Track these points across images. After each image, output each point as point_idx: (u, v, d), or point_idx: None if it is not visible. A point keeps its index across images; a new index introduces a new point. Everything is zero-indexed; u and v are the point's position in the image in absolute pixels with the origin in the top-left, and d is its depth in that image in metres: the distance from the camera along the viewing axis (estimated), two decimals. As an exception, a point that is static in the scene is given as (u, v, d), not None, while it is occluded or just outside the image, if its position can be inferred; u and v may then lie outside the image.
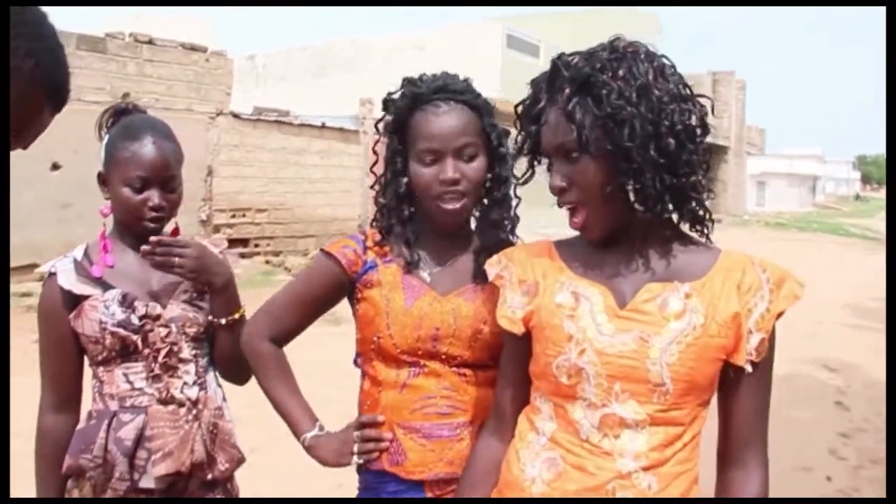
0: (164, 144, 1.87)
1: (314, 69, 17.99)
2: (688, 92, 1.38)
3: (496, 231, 1.78)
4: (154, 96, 11.82)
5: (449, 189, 1.67)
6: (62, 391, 1.89)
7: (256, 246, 13.95)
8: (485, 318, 1.70)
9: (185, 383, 1.87)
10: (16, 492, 1.81)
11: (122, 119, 1.95)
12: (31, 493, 1.91)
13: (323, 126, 15.42)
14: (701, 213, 1.43)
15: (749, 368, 1.36)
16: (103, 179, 1.90)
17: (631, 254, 1.43)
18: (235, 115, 13.53)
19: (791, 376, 6.48)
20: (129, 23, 14.64)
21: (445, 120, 1.69)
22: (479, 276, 1.71)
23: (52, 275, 1.86)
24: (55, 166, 10.53)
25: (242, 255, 13.01)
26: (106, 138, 1.91)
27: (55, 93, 1.12)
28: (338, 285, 1.78)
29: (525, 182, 1.59)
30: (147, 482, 1.80)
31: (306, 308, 1.82)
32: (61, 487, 1.87)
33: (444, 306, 1.71)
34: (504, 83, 19.22)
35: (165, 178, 1.86)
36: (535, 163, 1.51)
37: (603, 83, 1.32)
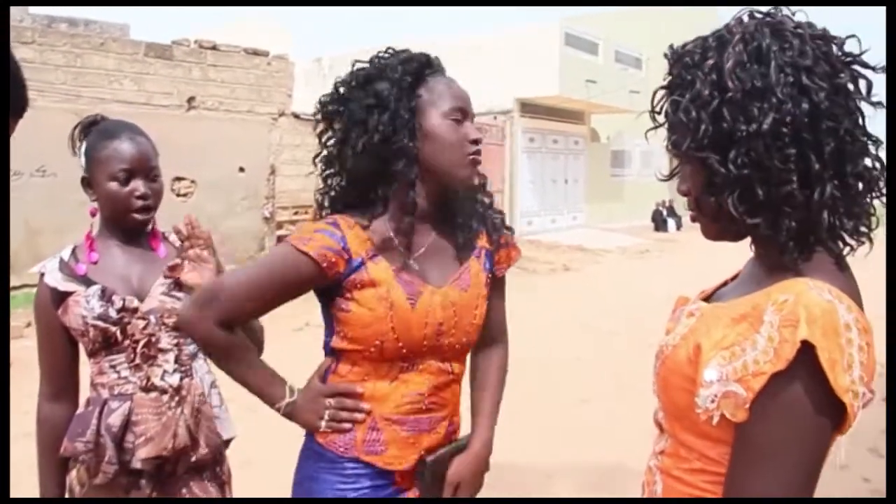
0: (140, 139, 1.99)
1: (375, 70, 18.13)
2: (782, 79, 1.09)
3: (471, 218, 1.76)
4: (218, 99, 12.11)
5: (472, 151, 1.66)
6: (56, 382, 2.00)
7: (318, 244, 14.18)
8: (476, 301, 1.73)
9: (165, 371, 1.97)
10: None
11: (95, 127, 2.05)
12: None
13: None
14: (799, 230, 1.13)
15: None
16: (88, 182, 2.00)
17: (753, 266, 1.29)
18: (296, 116, 13.76)
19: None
20: (203, 29, 14.97)
21: (463, 87, 1.70)
22: (461, 255, 1.73)
23: (42, 275, 1.97)
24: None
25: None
26: (83, 145, 2.02)
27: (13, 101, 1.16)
28: (310, 285, 1.65)
29: (668, 178, 1.39)
30: (135, 464, 1.91)
31: (266, 303, 1.67)
32: (59, 469, 1.99)
33: (445, 300, 1.67)
34: (562, 81, 19.14)
35: (148, 168, 1.98)
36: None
37: (683, 82, 1.18)
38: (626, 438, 4.72)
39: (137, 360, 1.95)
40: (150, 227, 2.07)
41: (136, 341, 1.95)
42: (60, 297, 1.93)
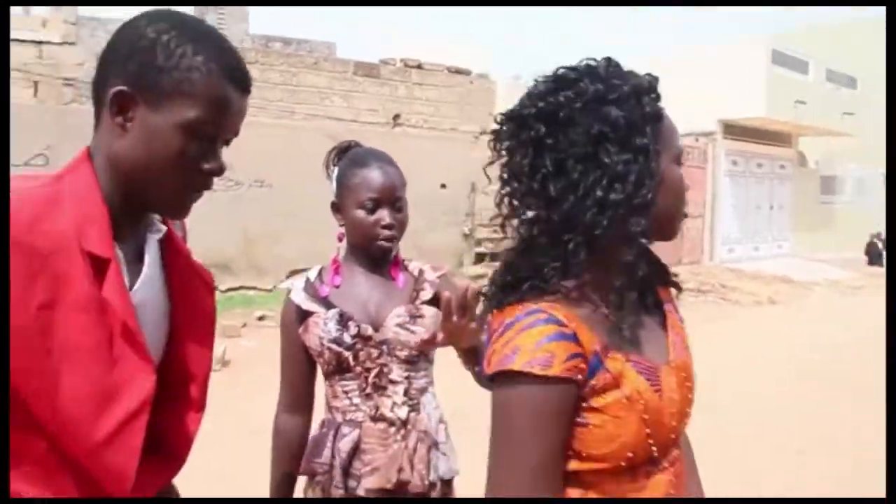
0: (389, 169, 2.02)
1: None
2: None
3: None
4: (422, 117, 12.51)
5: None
6: (293, 394, 2.08)
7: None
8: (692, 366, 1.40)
9: (394, 403, 1.97)
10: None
11: (347, 153, 2.11)
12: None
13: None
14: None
15: None
16: (337, 208, 2.06)
17: None
18: (496, 135, 13.98)
19: None
20: (405, 47, 15.63)
21: None
22: (656, 315, 1.38)
23: (289, 291, 2.06)
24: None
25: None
26: (335, 171, 2.09)
27: (231, 74, 1.18)
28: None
29: None
30: (360, 491, 1.93)
31: (556, 470, 1.21)
32: (287, 480, 2.06)
33: (678, 375, 1.31)
34: (769, 101, 18.25)
35: (394, 198, 2.00)
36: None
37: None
38: None
39: (368, 389, 1.98)
40: (392, 254, 2.10)
41: (368, 370, 1.98)
42: (303, 316, 2.01)
